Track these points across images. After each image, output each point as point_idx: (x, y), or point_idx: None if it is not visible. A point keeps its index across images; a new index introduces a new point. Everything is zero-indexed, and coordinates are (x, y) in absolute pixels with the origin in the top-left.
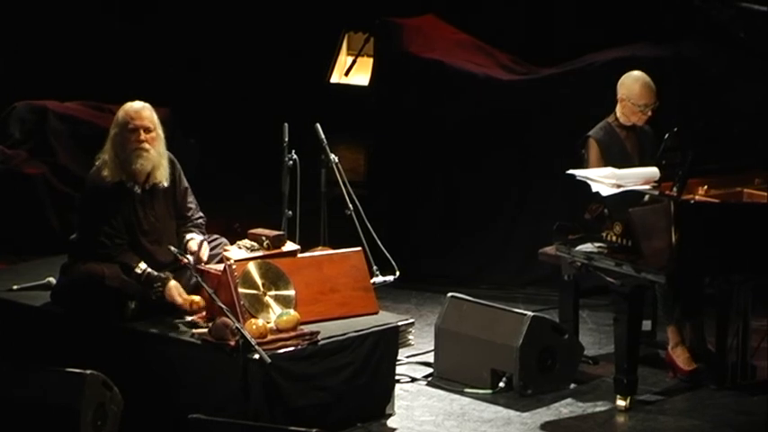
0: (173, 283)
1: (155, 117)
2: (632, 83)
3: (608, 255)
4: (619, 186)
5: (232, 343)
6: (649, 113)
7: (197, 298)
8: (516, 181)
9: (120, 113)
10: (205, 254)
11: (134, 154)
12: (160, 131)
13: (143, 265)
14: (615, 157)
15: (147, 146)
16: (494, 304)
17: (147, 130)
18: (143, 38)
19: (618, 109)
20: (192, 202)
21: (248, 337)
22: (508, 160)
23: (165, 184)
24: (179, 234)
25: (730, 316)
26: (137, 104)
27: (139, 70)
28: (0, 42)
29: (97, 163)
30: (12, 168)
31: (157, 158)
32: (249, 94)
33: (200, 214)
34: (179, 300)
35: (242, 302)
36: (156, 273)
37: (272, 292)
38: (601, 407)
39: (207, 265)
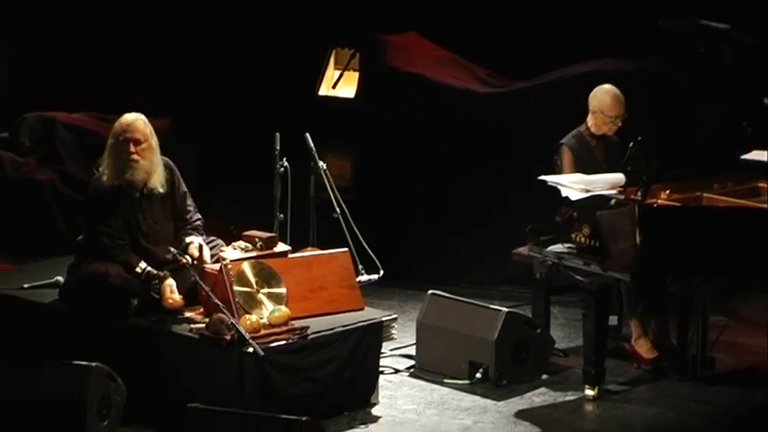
0: (167, 282)
1: (147, 129)
2: (604, 95)
3: (577, 255)
4: (587, 191)
5: (228, 337)
6: (619, 124)
7: (178, 297)
8: (492, 187)
9: (116, 124)
10: (207, 256)
11: (125, 164)
12: (153, 142)
13: (143, 264)
14: (586, 164)
15: (136, 157)
16: (471, 301)
17: (138, 143)
18: (148, 53)
19: (589, 119)
20: (190, 205)
21: (243, 331)
22: (484, 167)
23: (162, 190)
24: (179, 236)
25: (691, 313)
26: (130, 117)
27: (144, 83)
28: (12, 57)
29: (99, 169)
30: (23, 175)
31: (149, 167)
32: (244, 106)
33: (198, 216)
34: (167, 293)
35: (237, 299)
36: (155, 271)
37: (265, 290)
38: (571, 396)
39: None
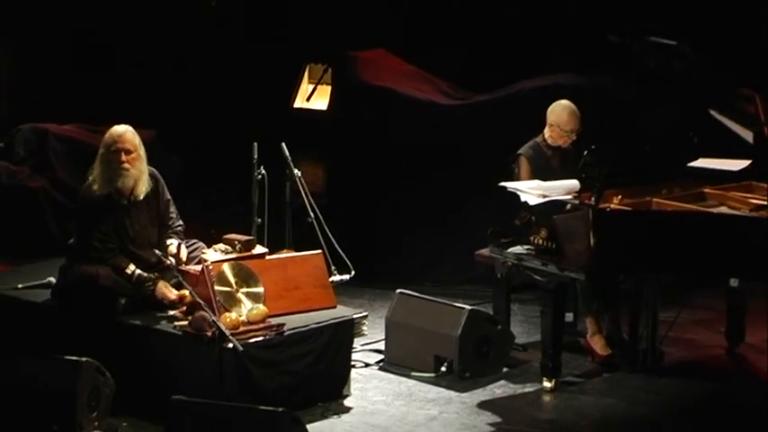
0: (162, 283)
1: (136, 139)
2: (561, 110)
3: (535, 256)
4: (544, 196)
5: (209, 334)
6: (574, 137)
7: (186, 292)
8: (454, 193)
9: (107, 135)
10: (184, 255)
11: (116, 173)
12: (141, 152)
13: (132, 267)
14: (542, 172)
15: (127, 165)
16: (436, 299)
17: (128, 152)
18: (136, 69)
19: (546, 132)
20: (173, 212)
21: (223, 328)
22: (446, 175)
23: (147, 197)
24: (162, 239)
25: (642, 309)
26: (120, 128)
27: (133, 98)
28: (7, 72)
29: (90, 178)
30: (17, 182)
31: (138, 175)
32: (224, 118)
33: (180, 222)
34: (171, 296)
35: (218, 298)
36: (145, 274)
37: (244, 290)
38: (530, 388)
39: (187, 266)
